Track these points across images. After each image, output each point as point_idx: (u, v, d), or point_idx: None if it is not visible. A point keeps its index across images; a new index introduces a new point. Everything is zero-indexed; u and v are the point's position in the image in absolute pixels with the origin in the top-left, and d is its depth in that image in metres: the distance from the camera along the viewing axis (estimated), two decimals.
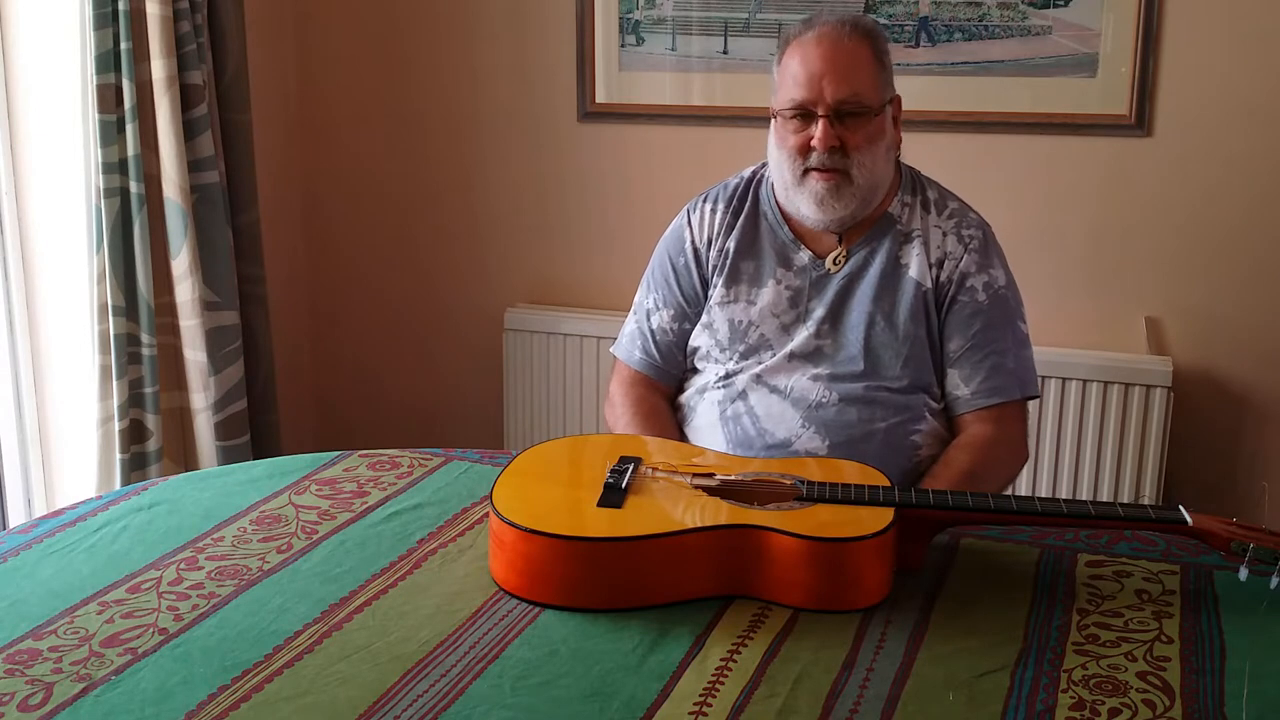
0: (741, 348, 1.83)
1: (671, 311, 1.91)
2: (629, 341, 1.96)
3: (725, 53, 2.75)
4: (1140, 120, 2.52)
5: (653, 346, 1.92)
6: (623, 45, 2.83)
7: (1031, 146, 2.61)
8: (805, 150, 1.73)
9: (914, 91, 2.62)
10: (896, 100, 1.79)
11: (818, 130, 1.71)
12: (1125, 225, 2.59)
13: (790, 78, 1.74)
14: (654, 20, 2.79)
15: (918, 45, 2.62)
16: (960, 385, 1.78)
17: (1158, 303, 2.60)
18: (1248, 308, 2.54)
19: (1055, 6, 2.53)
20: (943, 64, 2.62)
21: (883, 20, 2.63)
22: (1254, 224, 2.51)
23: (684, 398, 1.90)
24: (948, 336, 1.79)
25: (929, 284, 1.78)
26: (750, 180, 1.90)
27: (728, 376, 1.82)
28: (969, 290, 1.78)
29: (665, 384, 1.94)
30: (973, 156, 2.63)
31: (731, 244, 1.86)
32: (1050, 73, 2.55)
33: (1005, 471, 1.80)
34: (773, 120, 1.79)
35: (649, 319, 1.94)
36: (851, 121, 1.72)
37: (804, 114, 1.73)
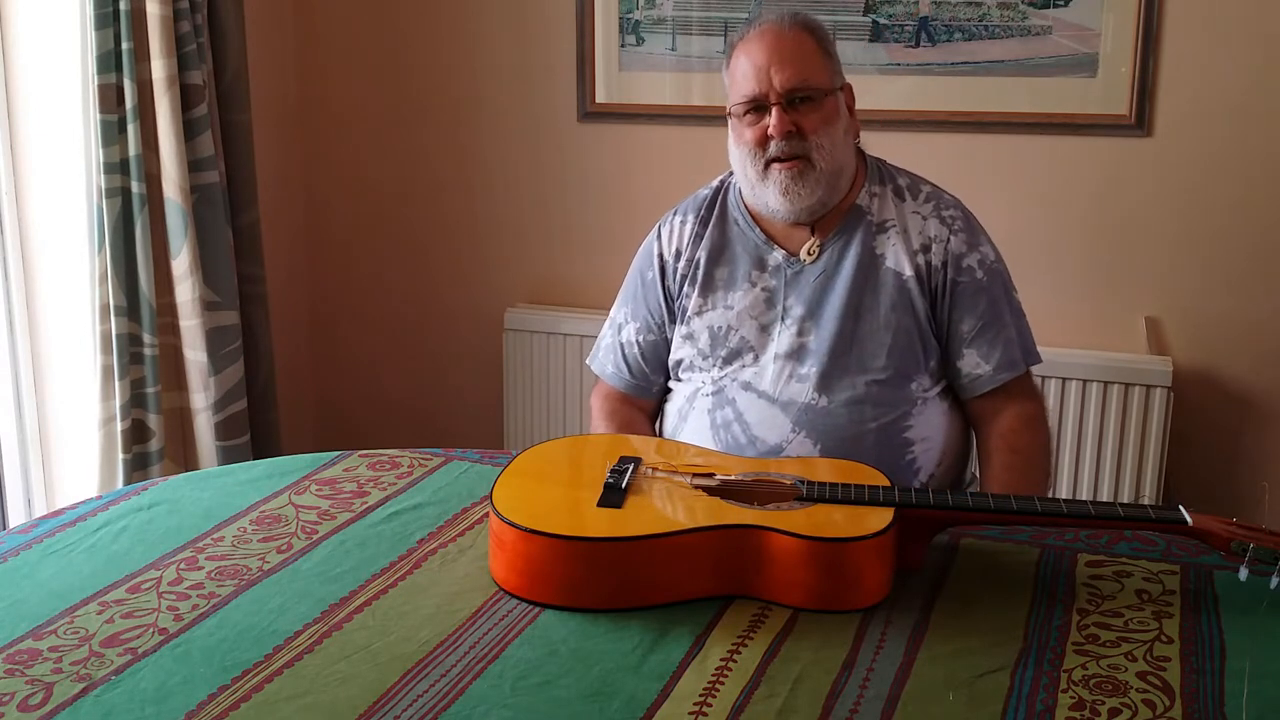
0: (723, 353, 1.82)
1: (638, 325, 1.93)
2: (604, 355, 1.99)
3: (725, 53, 2.75)
4: (1140, 120, 2.52)
5: (623, 361, 1.95)
6: (623, 45, 2.83)
7: (1031, 146, 2.61)
8: (763, 142, 1.75)
9: (914, 91, 2.63)
10: (848, 88, 1.81)
11: (772, 118, 1.73)
12: (1125, 225, 2.59)
13: (739, 76, 1.77)
14: (654, 20, 2.79)
15: (918, 45, 2.62)
16: (981, 363, 1.78)
17: (1157, 303, 2.60)
18: (1247, 308, 2.54)
19: (1055, 6, 2.53)
20: (943, 64, 2.62)
21: (882, 20, 2.63)
22: (1254, 224, 2.51)
23: (674, 407, 1.90)
24: (957, 319, 1.79)
25: (910, 272, 1.77)
26: (718, 189, 1.91)
27: (716, 383, 1.82)
28: (967, 270, 1.79)
29: (639, 397, 1.96)
30: (973, 156, 2.63)
31: (702, 254, 1.86)
32: (1050, 73, 2.55)
33: (1051, 444, 1.86)
34: (730, 122, 1.81)
35: (620, 332, 1.96)
36: (804, 107, 1.74)
37: (757, 107, 1.75)
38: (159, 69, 2.41)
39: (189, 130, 2.48)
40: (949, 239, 1.79)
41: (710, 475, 1.48)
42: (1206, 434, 2.61)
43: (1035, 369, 1.86)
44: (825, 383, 1.76)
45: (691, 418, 1.84)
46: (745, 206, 1.86)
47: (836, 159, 1.76)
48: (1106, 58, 2.51)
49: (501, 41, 2.95)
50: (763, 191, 1.77)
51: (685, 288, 1.87)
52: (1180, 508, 1.38)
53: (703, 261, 1.86)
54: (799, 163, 1.74)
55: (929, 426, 1.78)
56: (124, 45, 2.38)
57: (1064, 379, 2.55)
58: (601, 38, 2.84)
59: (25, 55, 2.55)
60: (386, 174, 3.13)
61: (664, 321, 1.91)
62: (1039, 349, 1.86)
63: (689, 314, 1.86)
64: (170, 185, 2.46)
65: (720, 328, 1.83)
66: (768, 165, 1.75)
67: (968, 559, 1.45)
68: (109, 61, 2.38)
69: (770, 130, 1.73)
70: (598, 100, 2.88)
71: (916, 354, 1.78)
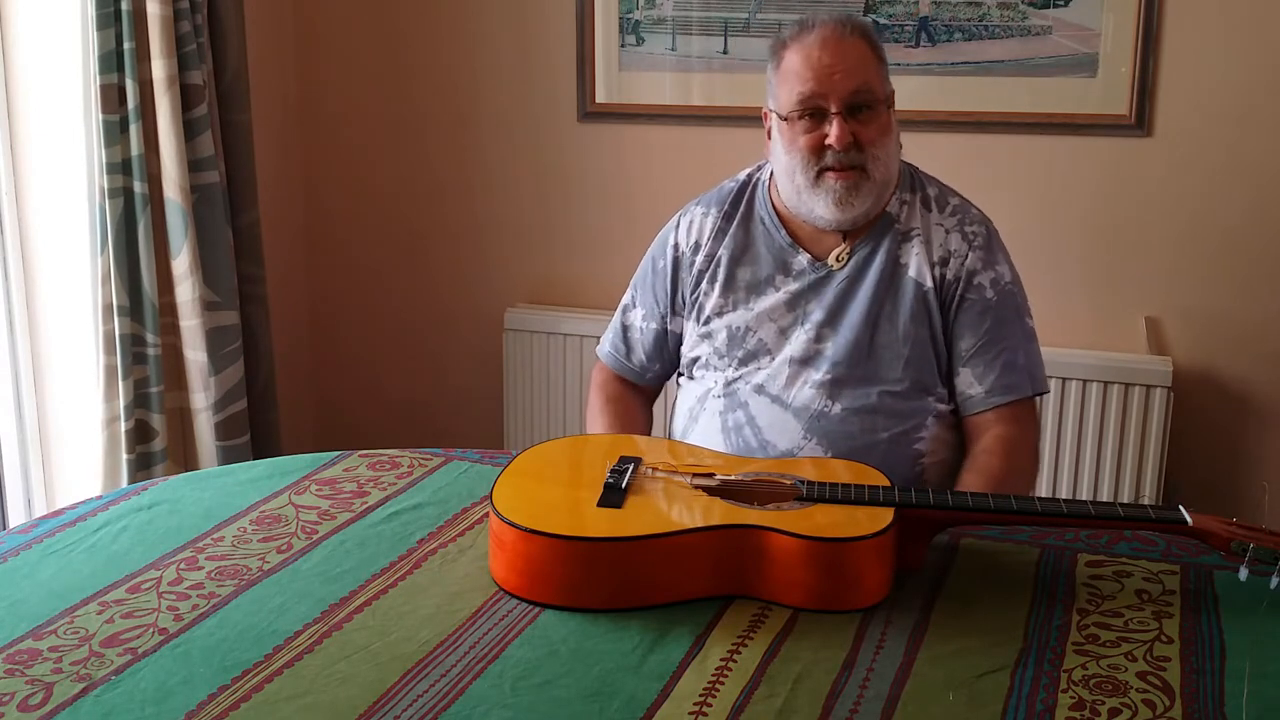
0: (740, 353, 1.81)
1: (643, 311, 1.93)
2: (606, 336, 2.00)
3: (725, 53, 2.75)
4: (1140, 120, 2.52)
5: (621, 342, 1.96)
6: (623, 45, 2.83)
7: (1031, 146, 2.61)
8: (819, 150, 1.71)
9: (914, 91, 2.63)
10: (892, 95, 1.79)
11: (833, 128, 1.69)
12: (1125, 225, 2.59)
13: (795, 77, 1.71)
14: (654, 20, 2.79)
15: (918, 45, 2.62)
16: (974, 384, 1.76)
17: (1158, 303, 2.60)
18: (1247, 308, 2.54)
19: (1055, 6, 2.53)
20: (943, 64, 2.62)
21: (882, 20, 2.63)
22: (1254, 224, 2.51)
23: (684, 407, 1.89)
24: (958, 335, 1.77)
25: (929, 283, 1.76)
26: (746, 184, 1.88)
27: (729, 385, 1.81)
28: (977, 288, 1.76)
29: (631, 379, 1.96)
30: (973, 156, 2.63)
31: (724, 251, 1.84)
32: (1050, 73, 2.55)
33: (1028, 476, 1.78)
34: (778, 124, 1.76)
35: (625, 314, 1.97)
36: (864, 115, 1.71)
37: (815, 112, 1.71)
38: (159, 69, 2.41)
39: (189, 130, 2.48)
40: (967, 254, 1.76)
41: (710, 475, 1.48)
42: (1206, 434, 2.61)
43: (1043, 365, 1.84)
44: (836, 390, 1.75)
45: (702, 419, 1.83)
46: (773, 207, 1.83)
47: (889, 170, 1.74)
48: (1106, 58, 2.51)
49: (501, 42, 2.95)
50: (812, 200, 1.74)
51: (704, 284, 1.85)
52: (1180, 508, 1.38)
53: (724, 260, 1.83)
54: (854, 173, 1.71)
55: (940, 440, 1.77)
56: (125, 45, 2.38)
57: (1064, 379, 2.55)
58: (601, 38, 2.84)
59: (26, 55, 2.55)
60: (386, 174, 3.13)
61: (667, 312, 1.90)
62: (1044, 354, 1.83)
63: (708, 314, 1.84)
64: (170, 185, 2.46)
65: (739, 328, 1.81)
66: (820, 173, 1.72)
67: (968, 559, 1.45)
68: (111, 61, 2.38)
69: (831, 140, 1.69)
70: (598, 100, 2.88)
71: (933, 367, 1.76)
